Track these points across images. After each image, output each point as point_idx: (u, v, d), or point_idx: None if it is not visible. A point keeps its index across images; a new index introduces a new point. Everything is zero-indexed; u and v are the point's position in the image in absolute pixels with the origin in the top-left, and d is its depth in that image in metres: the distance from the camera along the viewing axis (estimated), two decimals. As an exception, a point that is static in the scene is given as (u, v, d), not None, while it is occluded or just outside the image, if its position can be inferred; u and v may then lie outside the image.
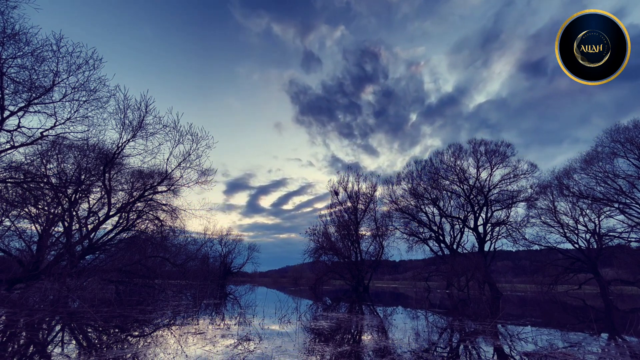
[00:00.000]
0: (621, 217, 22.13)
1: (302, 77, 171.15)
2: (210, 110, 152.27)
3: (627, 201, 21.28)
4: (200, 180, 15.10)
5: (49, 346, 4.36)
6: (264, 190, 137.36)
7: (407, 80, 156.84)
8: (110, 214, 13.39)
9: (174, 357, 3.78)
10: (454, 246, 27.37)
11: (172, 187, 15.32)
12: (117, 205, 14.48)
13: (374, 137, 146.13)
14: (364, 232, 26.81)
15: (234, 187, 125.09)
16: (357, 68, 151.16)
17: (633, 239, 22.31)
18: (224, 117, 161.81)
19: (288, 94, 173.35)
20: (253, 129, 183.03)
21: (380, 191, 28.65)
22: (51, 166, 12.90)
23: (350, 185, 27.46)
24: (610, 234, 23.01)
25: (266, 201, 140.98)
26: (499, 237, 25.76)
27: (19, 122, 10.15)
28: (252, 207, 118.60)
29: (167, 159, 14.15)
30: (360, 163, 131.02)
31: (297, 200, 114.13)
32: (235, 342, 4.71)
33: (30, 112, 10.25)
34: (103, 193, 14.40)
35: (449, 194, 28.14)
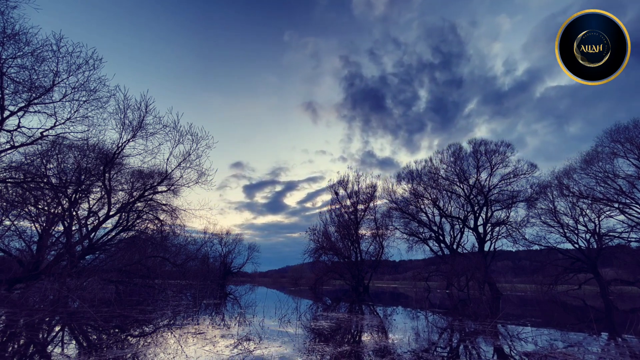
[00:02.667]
0: (621, 217, 22.13)
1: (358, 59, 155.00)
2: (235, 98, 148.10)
3: (627, 201, 21.27)
4: (200, 180, 15.11)
5: (49, 346, 4.36)
6: (290, 186, 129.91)
7: (473, 67, 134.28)
8: (110, 214, 13.38)
9: (174, 357, 3.77)
10: (454, 246, 27.37)
11: (172, 187, 15.32)
12: (117, 206, 14.47)
13: (419, 130, 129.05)
14: (364, 232, 26.83)
15: (256, 186, 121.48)
16: (419, 55, 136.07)
17: (633, 239, 22.31)
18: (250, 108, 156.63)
19: (337, 79, 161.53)
20: (285, 117, 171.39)
21: (380, 191, 28.66)
22: (51, 166, 12.90)
23: (350, 185, 27.48)
24: (610, 234, 23.00)
25: (291, 199, 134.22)
26: (499, 237, 25.78)
27: (19, 122, 10.15)
28: (274, 206, 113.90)
29: (167, 159, 14.16)
30: (396, 159, 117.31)
31: (320, 200, 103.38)
32: (235, 342, 4.71)
33: (30, 112, 10.25)
34: (103, 193, 14.39)
35: (449, 194, 28.14)
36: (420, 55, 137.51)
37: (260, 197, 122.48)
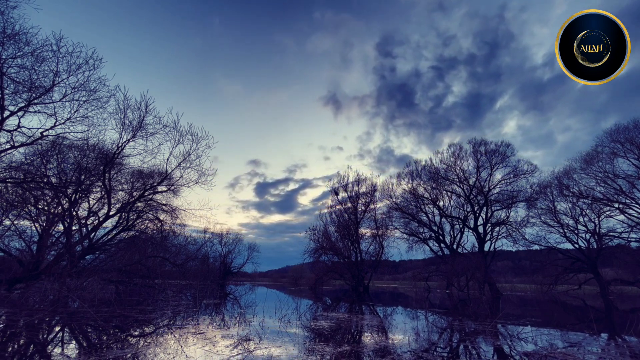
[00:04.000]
0: (621, 217, 22.14)
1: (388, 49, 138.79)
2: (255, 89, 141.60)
3: (627, 201, 21.28)
4: (200, 180, 15.11)
5: (49, 346, 4.36)
6: (305, 184, 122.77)
7: (514, 57, 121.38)
8: (110, 214, 13.39)
9: (174, 357, 3.77)
10: (454, 246, 27.37)
11: (172, 187, 15.32)
12: (117, 205, 14.48)
13: (445, 127, 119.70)
14: (364, 232, 26.83)
15: (269, 184, 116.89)
16: (459, 45, 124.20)
17: (633, 239, 22.32)
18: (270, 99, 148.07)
19: (367, 70, 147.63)
20: (304, 111, 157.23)
21: (380, 191, 28.67)
22: (51, 166, 12.90)
23: (350, 184, 27.49)
24: (610, 234, 23.01)
25: (305, 198, 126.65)
26: (499, 237, 25.78)
27: (19, 122, 10.15)
28: (285, 205, 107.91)
29: (167, 159, 14.16)
30: (416, 157, 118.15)
31: (332, 199, 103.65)
32: (235, 342, 4.71)
33: (30, 112, 10.25)
34: (103, 193, 14.39)
35: (449, 194, 28.15)
36: (461, 45, 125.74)
37: (272, 196, 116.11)
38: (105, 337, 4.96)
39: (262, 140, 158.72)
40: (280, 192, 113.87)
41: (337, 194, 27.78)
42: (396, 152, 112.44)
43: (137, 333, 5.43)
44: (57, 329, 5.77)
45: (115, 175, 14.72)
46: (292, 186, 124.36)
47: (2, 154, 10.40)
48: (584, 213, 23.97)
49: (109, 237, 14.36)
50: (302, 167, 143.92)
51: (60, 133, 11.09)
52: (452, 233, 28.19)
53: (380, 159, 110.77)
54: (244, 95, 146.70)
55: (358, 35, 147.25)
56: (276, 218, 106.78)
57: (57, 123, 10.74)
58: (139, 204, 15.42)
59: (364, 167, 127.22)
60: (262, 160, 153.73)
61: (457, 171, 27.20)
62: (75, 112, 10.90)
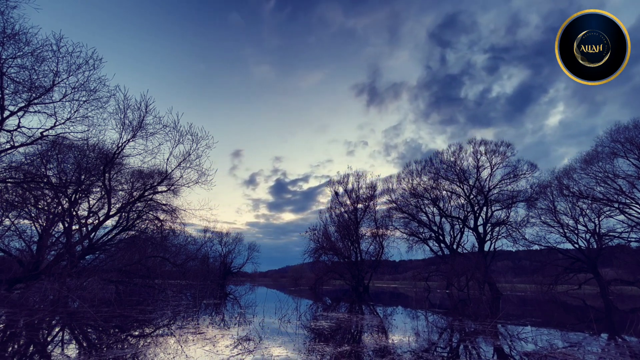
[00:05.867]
0: (621, 217, 22.13)
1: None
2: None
3: (627, 201, 21.27)
4: (200, 180, 15.10)
5: (49, 346, 4.36)
6: (326, 182, 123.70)
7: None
8: (110, 214, 13.39)
9: (174, 357, 3.77)
10: (454, 246, 27.37)
11: (172, 187, 15.31)
12: (117, 205, 14.48)
13: (481, 122, 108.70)
14: (364, 232, 26.84)
15: (289, 183, 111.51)
16: (527, 33, 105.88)
17: (633, 239, 22.32)
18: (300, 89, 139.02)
19: (415, 58, 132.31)
20: (333, 103, 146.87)
21: (380, 191, 28.68)
22: (51, 166, 12.90)
23: (350, 185, 27.49)
24: (610, 234, 23.00)
25: (323, 197, 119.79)
26: (499, 237, 25.79)
27: (19, 122, 10.14)
28: (302, 203, 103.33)
29: (167, 159, 14.15)
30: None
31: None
32: (235, 342, 4.71)
33: (30, 112, 10.25)
34: (103, 193, 14.39)
35: (449, 194, 28.15)
36: (529, 31, 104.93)
37: (290, 193, 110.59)
38: (105, 337, 4.96)
39: (289, 132, 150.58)
40: (298, 190, 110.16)
41: (337, 193, 27.81)
42: (423, 149, 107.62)
43: (137, 333, 5.43)
44: (57, 329, 5.77)
45: (115, 175, 14.72)
46: (312, 183, 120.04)
47: (2, 154, 10.40)
48: (584, 213, 23.98)
49: (109, 237, 14.36)
50: (325, 164, 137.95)
51: (60, 133, 11.10)
52: (452, 233, 28.23)
53: (404, 156, 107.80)
54: (273, 79, 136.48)
55: (412, 13, 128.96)
56: (288, 217, 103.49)
57: (57, 123, 10.74)
58: (139, 204, 15.43)
59: (388, 164, 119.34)
60: (285, 156, 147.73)
61: (457, 171, 27.22)
62: (75, 112, 10.90)
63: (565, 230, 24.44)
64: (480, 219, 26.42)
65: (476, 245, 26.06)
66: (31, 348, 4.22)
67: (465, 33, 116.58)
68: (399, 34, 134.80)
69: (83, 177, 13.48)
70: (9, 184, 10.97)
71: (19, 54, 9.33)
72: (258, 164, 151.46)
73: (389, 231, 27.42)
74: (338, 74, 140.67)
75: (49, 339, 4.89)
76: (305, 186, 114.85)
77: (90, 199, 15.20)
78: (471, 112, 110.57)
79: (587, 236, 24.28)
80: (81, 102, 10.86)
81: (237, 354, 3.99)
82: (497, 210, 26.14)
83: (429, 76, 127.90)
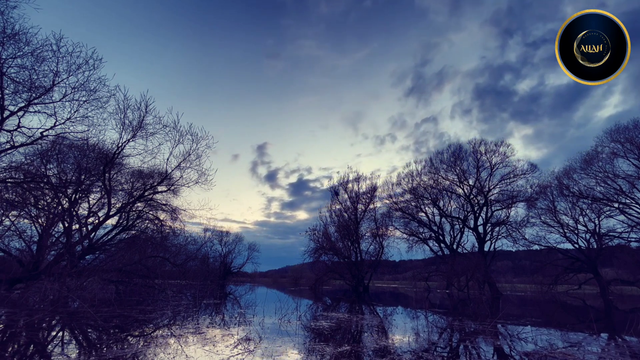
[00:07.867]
0: (621, 217, 22.12)
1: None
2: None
3: (627, 201, 21.28)
4: (200, 180, 15.11)
5: (49, 346, 4.36)
6: (349, 181, 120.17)
7: None
8: (110, 214, 13.39)
9: (174, 357, 3.77)
10: (454, 246, 27.36)
11: (172, 187, 15.33)
12: (117, 205, 14.48)
13: (522, 119, 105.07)
14: (364, 232, 26.83)
15: (308, 181, 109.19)
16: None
17: (633, 239, 22.30)
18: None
19: (474, 45, 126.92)
20: (368, 94, 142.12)
21: (380, 191, 28.67)
22: (51, 166, 12.91)
23: (350, 185, 27.49)
24: (610, 234, 23.00)
25: (345, 195, 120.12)
26: (499, 237, 25.75)
27: (19, 122, 10.15)
28: (320, 203, 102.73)
29: (167, 159, 14.17)
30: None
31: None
32: (235, 342, 4.71)
33: (30, 112, 10.25)
34: (103, 193, 14.41)
35: (449, 194, 28.14)
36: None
37: (309, 190, 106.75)
38: (105, 337, 4.96)
39: (319, 126, 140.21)
40: (318, 186, 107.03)
41: (337, 193, 27.80)
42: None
43: (137, 333, 5.43)
44: (57, 329, 5.77)
45: (115, 175, 14.73)
46: (335, 180, 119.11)
47: (2, 154, 10.40)
48: (583, 213, 23.97)
49: (109, 237, 14.37)
50: (354, 158, 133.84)
51: (60, 133, 11.10)
52: (452, 233, 28.21)
53: (431, 152, 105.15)
54: (315, 56, 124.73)
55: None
56: (302, 216, 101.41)
57: (57, 123, 10.75)
58: (138, 204, 15.44)
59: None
60: (306, 152, 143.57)
61: (457, 171, 27.21)
62: (75, 112, 10.91)
63: (565, 230, 24.46)
64: (480, 219, 26.42)
65: (476, 245, 26.06)
66: (31, 348, 4.22)
67: (543, 21, 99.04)
68: (462, 9, 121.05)
69: (83, 177, 13.48)
70: (9, 184, 10.97)
71: (19, 54, 9.34)
72: (281, 159, 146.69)
73: (389, 231, 27.44)
74: (382, 52, 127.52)
75: (49, 339, 4.89)
76: (327, 183, 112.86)
77: (90, 199, 15.22)
78: (515, 108, 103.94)
79: (587, 236, 24.30)
80: (81, 102, 10.87)
81: (237, 354, 3.99)
82: (497, 210, 26.13)
83: (482, 65, 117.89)
